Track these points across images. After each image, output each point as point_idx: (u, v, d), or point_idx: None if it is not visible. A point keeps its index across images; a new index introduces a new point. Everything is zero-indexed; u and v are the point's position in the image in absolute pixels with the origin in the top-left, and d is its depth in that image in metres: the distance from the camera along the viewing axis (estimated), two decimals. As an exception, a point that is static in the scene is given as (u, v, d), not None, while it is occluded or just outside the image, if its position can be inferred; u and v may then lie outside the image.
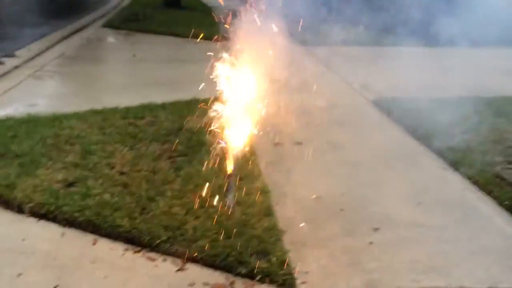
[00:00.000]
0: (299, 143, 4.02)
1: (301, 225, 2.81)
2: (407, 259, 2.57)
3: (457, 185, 3.46)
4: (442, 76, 6.71)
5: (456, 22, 7.84)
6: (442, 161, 3.81)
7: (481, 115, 4.71)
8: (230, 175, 2.83)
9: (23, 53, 6.76)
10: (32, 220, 2.73)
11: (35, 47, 7.29)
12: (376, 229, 2.82)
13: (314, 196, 3.16)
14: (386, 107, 5.00)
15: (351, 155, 3.88)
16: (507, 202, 3.17)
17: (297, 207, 3.02)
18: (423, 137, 4.21)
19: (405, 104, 5.02)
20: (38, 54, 6.86)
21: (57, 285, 2.23)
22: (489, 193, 3.31)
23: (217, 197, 2.91)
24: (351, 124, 4.63)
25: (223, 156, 3.22)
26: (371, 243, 2.69)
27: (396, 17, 8.91)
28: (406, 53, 8.28)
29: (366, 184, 3.40)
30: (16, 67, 6.06)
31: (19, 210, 2.80)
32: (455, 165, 3.70)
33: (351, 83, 6.08)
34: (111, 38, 8.61)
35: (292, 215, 2.92)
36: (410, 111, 4.79)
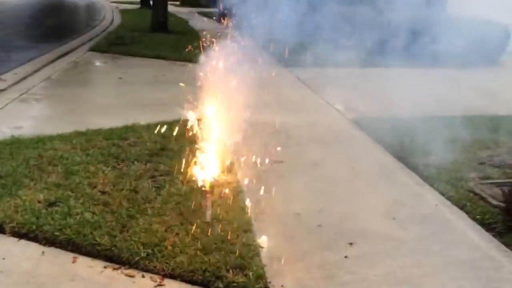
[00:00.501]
0: (280, 162, 4.11)
1: (278, 241, 2.88)
2: (381, 271, 2.65)
3: (431, 200, 3.56)
4: (420, 95, 6.89)
5: (436, 42, 8.09)
6: (418, 178, 3.92)
7: (457, 133, 4.86)
8: (207, 193, 2.91)
9: (9, 77, 6.83)
10: (13, 240, 2.76)
11: (21, 70, 7.36)
12: (351, 244, 2.90)
13: (293, 212, 3.24)
14: (366, 126, 5.14)
15: (330, 173, 3.98)
16: (479, 216, 3.28)
17: (275, 224, 3.09)
18: (401, 154, 4.34)
19: (384, 123, 5.16)
20: (24, 78, 6.92)
21: (36, 303, 2.26)
22: (462, 207, 3.41)
23: (196, 214, 2.98)
24: (331, 143, 4.75)
25: (203, 175, 3.30)
26: (346, 257, 2.76)
27: (378, 38, 9.16)
28: (388, 74, 8.51)
29: (344, 201, 3.49)
30: (2, 90, 6.11)
31: (0, 230, 2.83)
32: (430, 181, 3.82)
33: (332, 103, 6.22)
34: (98, 61, 8.72)
35: (270, 231, 2.99)
36: (389, 129, 4.92)
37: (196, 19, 18.51)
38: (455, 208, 3.42)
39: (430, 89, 7.34)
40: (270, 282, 2.48)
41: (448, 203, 3.50)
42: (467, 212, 3.35)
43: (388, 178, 3.96)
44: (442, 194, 3.62)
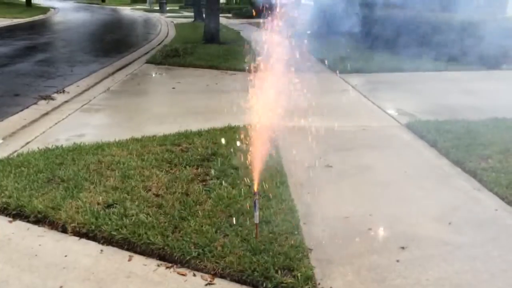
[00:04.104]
0: (329, 166, 4.09)
1: (326, 243, 2.86)
2: (434, 276, 2.56)
3: (490, 205, 3.41)
4: (473, 98, 6.64)
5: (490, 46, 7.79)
6: (476, 182, 3.77)
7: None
8: (255, 195, 2.94)
9: (72, 89, 7.26)
10: (74, 239, 2.94)
11: (83, 83, 7.80)
12: (403, 248, 2.83)
13: (342, 216, 3.21)
14: (419, 130, 5.00)
15: (382, 177, 3.90)
16: (543, 222, 3.10)
17: (324, 227, 3.07)
18: (456, 158, 4.18)
19: (438, 127, 5.01)
20: (86, 90, 7.33)
21: (95, 297, 2.39)
22: (524, 212, 3.25)
23: (245, 216, 3.03)
24: (383, 147, 4.66)
25: (253, 179, 3.35)
26: (398, 261, 2.70)
27: (428, 42, 8.97)
28: (437, 77, 8.27)
29: (395, 205, 3.41)
30: (66, 101, 6.51)
31: (63, 229, 3.02)
32: (489, 185, 3.65)
33: (384, 108, 6.11)
34: (153, 72, 9.07)
35: (319, 234, 2.98)
36: (443, 133, 4.77)
37: (247, 30, 18.82)
38: (516, 213, 3.25)
39: (482, 92, 7.07)
40: (319, 284, 2.47)
41: (509, 208, 3.34)
42: (530, 217, 3.17)
43: (443, 182, 3.83)
44: (502, 198, 3.45)
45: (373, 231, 3.03)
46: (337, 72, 8.36)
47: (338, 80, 8.06)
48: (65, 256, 2.75)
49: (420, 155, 4.46)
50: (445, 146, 4.46)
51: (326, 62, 8.93)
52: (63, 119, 5.64)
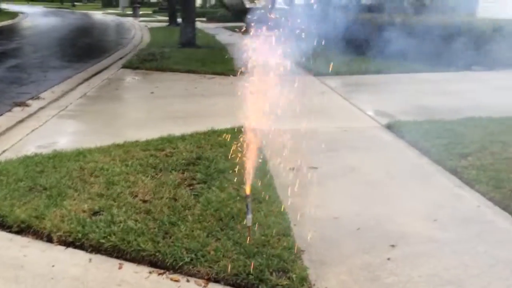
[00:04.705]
0: (314, 168, 4.12)
1: (318, 244, 2.88)
2: (425, 273, 2.61)
3: (472, 201, 3.49)
4: (449, 99, 6.81)
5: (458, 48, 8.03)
6: (457, 180, 3.85)
7: (493, 134, 4.76)
8: (247, 198, 2.93)
9: (47, 95, 7.10)
10: (60, 248, 2.86)
11: (58, 89, 7.64)
12: (393, 246, 2.87)
13: (331, 216, 3.23)
14: (399, 130, 5.09)
15: (366, 177, 3.95)
16: (523, 216, 3.20)
17: (314, 227, 3.09)
18: (437, 157, 4.27)
19: (417, 127, 5.11)
20: (61, 96, 7.18)
21: (86, 307, 2.33)
22: (505, 208, 3.33)
23: (236, 220, 3.02)
24: (366, 148, 4.72)
25: (240, 182, 3.34)
26: (388, 259, 2.74)
27: (404, 45, 9.16)
28: (413, 79, 8.46)
29: (382, 204, 3.46)
30: (42, 108, 6.35)
31: (48, 239, 2.94)
32: (470, 183, 3.74)
33: (364, 109, 6.20)
34: (130, 77, 8.96)
35: (310, 235, 2.99)
36: (422, 133, 4.87)
37: (222, 33, 18.82)
38: (497, 209, 3.34)
39: (459, 92, 7.27)
40: (314, 285, 2.48)
41: (490, 204, 3.43)
42: (511, 213, 3.26)
43: (426, 180, 3.91)
44: (483, 195, 3.54)
45: (363, 230, 3.06)
46: (314, 74, 8.44)
47: (316, 82, 8.13)
48: (52, 266, 2.67)
49: (402, 155, 4.54)
50: (425, 146, 4.55)
51: (303, 64, 9.00)
52: (40, 126, 5.50)
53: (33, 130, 5.30)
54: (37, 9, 40.53)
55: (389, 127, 5.30)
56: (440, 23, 9.32)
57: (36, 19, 28.74)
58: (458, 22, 9.34)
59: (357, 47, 9.92)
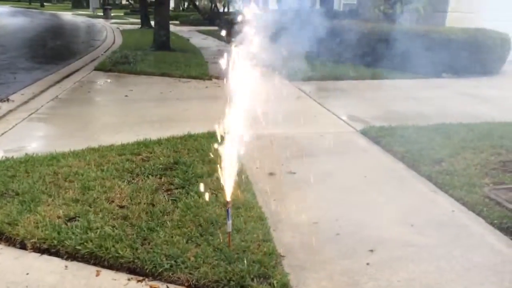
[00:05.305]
0: (292, 173, 4.13)
1: (298, 250, 2.89)
2: (404, 277, 2.65)
3: (447, 206, 3.57)
4: (420, 105, 6.98)
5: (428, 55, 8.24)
6: (432, 185, 3.94)
7: (465, 140, 4.90)
8: (228, 204, 2.91)
9: (17, 98, 6.88)
10: (34, 255, 2.77)
11: (28, 91, 7.42)
12: (372, 251, 2.90)
13: (310, 222, 3.25)
14: (374, 136, 5.17)
15: (343, 182, 3.99)
16: (496, 221, 3.28)
17: (294, 233, 3.10)
18: (411, 162, 4.36)
19: (391, 132, 5.21)
20: (32, 98, 6.97)
21: (63, 316, 2.26)
22: (478, 213, 3.42)
23: (215, 225, 2.99)
24: (341, 153, 4.77)
25: (219, 187, 3.31)
26: (368, 264, 2.77)
27: (378, 52, 9.34)
28: (384, 85, 8.64)
29: (359, 209, 3.50)
30: (11, 110, 6.16)
31: (22, 246, 2.84)
32: (444, 187, 3.83)
33: (339, 115, 6.27)
34: (103, 80, 8.79)
35: (289, 240, 3.00)
36: (397, 138, 4.96)
37: (196, 37, 18.74)
38: (472, 214, 3.43)
39: (430, 99, 7.46)
40: (295, 291, 2.48)
41: (464, 208, 3.51)
42: (484, 217, 3.35)
43: (401, 186, 3.98)
44: (457, 200, 3.63)
45: (341, 235, 3.09)
46: (287, 79, 8.48)
47: (291, 87, 8.18)
48: (27, 274, 2.59)
49: (377, 160, 4.61)
50: (399, 151, 4.64)
51: (276, 69, 9.03)
52: (10, 129, 5.33)
53: (2, 134, 5.13)
54: (4, 8, 39.38)
55: (364, 132, 5.38)
56: (412, 31, 9.56)
57: (3, 19, 27.92)
58: (428, 30, 9.60)
59: (331, 53, 10.04)
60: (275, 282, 2.48)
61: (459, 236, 3.13)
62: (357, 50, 9.68)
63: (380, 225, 3.25)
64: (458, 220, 3.37)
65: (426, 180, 4.04)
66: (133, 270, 2.62)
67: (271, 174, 4.11)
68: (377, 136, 5.14)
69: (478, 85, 8.65)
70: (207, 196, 3.30)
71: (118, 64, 9.96)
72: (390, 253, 2.89)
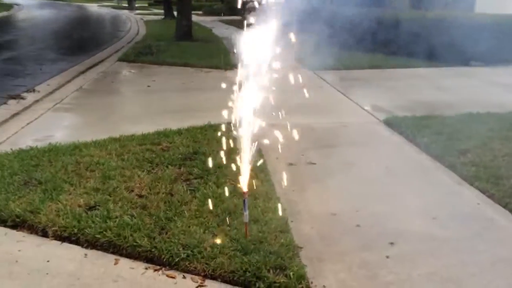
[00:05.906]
0: (312, 163, 4.08)
1: (316, 241, 2.85)
2: (424, 271, 2.58)
3: (472, 199, 3.46)
4: (447, 94, 6.79)
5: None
6: (457, 176, 3.83)
7: (492, 130, 4.74)
8: (244, 194, 2.89)
9: (42, 88, 7.01)
10: (56, 243, 2.82)
11: (54, 82, 7.56)
12: (392, 243, 2.84)
13: (329, 213, 3.20)
14: (397, 126, 5.06)
15: (365, 173, 3.92)
16: (524, 214, 3.18)
17: (312, 224, 3.06)
18: (436, 153, 4.25)
19: (415, 122, 5.08)
20: (57, 89, 7.10)
21: (81, 304, 2.29)
22: (505, 206, 3.31)
23: (233, 216, 2.98)
24: (364, 143, 4.69)
25: (237, 177, 3.29)
26: (387, 256, 2.71)
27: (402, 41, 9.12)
28: (409, 74, 8.43)
29: (381, 201, 3.43)
30: (37, 101, 6.28)
31: (43, 233, 2.89)
32: (469, 179, 3.71)
33: (361, 104, 6.16)
34: (126, 71, 8.88)
35: (307, 231, 2.96)
36: (421, 128, 4.84)
37: (219, 27, 18.72)
38: (498, 207, 3.31)
39: (454, 88, 7.25)
40: (312, 283, 2.44)
41: (490, 201, 3.40)
42: (511, 211, 3.24)
43: (425, 177, 3.88)
44: (483, 192, 3.52)
45: (361, 227, 3.03)
46: (309, 68, 8.38)
47: (313, 77, 8.08)
48: (48, 261, 2.63)
49: (400, 151, 4.51)
50: (424, 142, 4.52)
51: (299, 58, 8.94)
52: (35, 119, 5.44)
53: (28, 124, 5.24)
54: (32, 1, 40.14)
55: (387, 122, 5.27)
56: (438, 18, 9.29)
57: (31, 10, 28.49)
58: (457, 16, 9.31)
59: (354, 42, 9.87)
60: (291, 273, 2.45)
61: (484, 229, 3.03)
62: (381, 38, 9.48)
63: (401, 217, 3.18)
64: (484, 213, 3.26)
65: (450, 171, 3.93)
66: (150, 259, 2.63)
67: (290, 164, 4.06)
68: (401, 126, 5.03)
69: (507, 73, 8.37)
70: (225, 187, 3.30)
71: (141, 55, 10.05)
72: (411, 246, 2.82)
